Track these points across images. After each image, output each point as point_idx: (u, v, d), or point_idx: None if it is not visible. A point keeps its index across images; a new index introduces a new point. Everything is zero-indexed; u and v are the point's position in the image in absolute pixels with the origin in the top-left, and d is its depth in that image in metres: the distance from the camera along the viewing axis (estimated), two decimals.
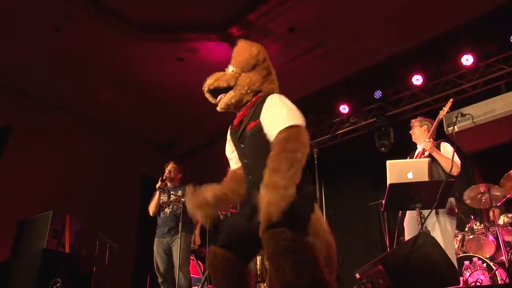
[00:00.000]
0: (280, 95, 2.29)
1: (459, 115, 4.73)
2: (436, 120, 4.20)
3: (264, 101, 2.27)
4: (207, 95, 2.46)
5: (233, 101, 2.37)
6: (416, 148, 4.32)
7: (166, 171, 5.14)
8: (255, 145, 2.26)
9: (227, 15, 5.96)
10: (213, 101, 2.48)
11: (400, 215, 4.44)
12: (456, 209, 4.18)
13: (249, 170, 2.32)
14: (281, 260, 1.92)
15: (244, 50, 2.45)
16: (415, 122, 4.38)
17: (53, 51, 6.38)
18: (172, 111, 7.53)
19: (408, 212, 4.09)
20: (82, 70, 6.77)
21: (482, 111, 4.77)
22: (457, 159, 3.83)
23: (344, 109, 7.23)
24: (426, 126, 4.28)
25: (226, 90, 2.38)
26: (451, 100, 4.35)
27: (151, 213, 5.03)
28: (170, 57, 6.61)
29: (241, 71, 2.41)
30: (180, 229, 4.72)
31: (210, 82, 2.40)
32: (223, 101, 2.38)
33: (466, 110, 4.86)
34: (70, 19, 5.82)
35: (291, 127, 2.10)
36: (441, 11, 5.73)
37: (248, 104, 2.37)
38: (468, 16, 5.81)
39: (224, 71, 2.49)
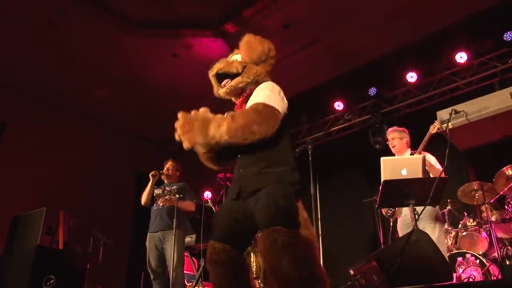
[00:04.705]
0: (274, 84, 2.38)
1: (453, 112, 4.75)
2: (427, 135, 4.12)
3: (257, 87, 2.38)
4: (212, 79, 2.53)
5: (240, 86, 2.45)
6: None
7: (165, 168, 5.15)
8: None
9: (222, 11, 5.96)
10: (215, 85, 2.55)
11: (391, 222, 4.47)
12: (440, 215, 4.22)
13: (239, 151, 2.35)
14: (279, 256, 1.93)
15: (258, 44, 2.54)
16: (395, 134, 4.32)
17: (48, 46, 6.33)
18: (167, 107, 7.49)
19: (400, 219, 4.13)
20: (77, 65, 6.73)
21: (476, 108, 4.79)
22: (440, 167, 3.93)
23: (338, 106, 7.23)
24: (406, 139, 4.30)
25: (233, 76, 2.45)
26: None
27: (142, 203, 4.97)
28: (166, 53, 6.59)
29: (249, 62, 2.48)
30: (174, 226, 4.61)
31: (220, 66, 2.47)
32: (230, 84, 2.45)
33: (460, 107, 4.86)
34: (65, 15, 5.78)
35: (266, 105, 2.19)
36: (436, 9, 5.75)
37: (247, 92, 2.45)
38: (463, 13, 5.84)
39: (227, 58, 2.57)
